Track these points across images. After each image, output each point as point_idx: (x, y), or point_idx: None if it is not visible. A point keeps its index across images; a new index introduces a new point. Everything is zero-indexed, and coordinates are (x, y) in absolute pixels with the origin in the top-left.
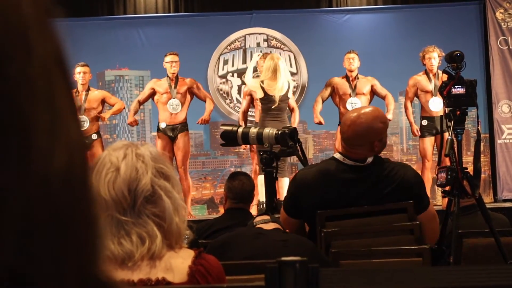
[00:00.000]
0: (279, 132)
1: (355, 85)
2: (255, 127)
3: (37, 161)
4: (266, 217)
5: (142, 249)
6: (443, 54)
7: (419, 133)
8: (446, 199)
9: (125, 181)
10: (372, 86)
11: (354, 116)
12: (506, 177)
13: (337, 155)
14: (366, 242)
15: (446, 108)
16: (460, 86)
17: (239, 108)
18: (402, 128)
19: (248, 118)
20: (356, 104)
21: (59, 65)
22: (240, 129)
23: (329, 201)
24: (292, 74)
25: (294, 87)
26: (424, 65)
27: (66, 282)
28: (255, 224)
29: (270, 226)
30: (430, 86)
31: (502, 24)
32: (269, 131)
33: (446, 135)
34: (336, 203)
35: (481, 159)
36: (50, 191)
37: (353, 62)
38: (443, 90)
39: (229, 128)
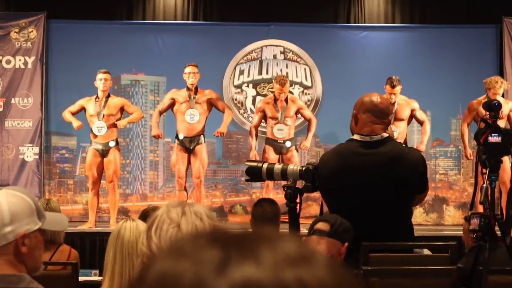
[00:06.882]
0: (303, 168)
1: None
2: (279, 163)
3: None
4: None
5: None
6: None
7: (472, 157)
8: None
9: None
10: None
11: (379, 95)
12: None
13: (355, 136)
14: (403, 282)
15: (482, 155)
16: (497, 134)
17: (252, 118)
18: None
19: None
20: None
21: None
22: (265, 165)
23: (346, 170)
24: (307, 87)
25: (308, 101)
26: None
27: None
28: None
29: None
30: None
31: None
32: (293, 167)
33: (480, 181)
34: (352, 172)
35: None
36: None
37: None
38: (480, 138)
39: (254, 164)
